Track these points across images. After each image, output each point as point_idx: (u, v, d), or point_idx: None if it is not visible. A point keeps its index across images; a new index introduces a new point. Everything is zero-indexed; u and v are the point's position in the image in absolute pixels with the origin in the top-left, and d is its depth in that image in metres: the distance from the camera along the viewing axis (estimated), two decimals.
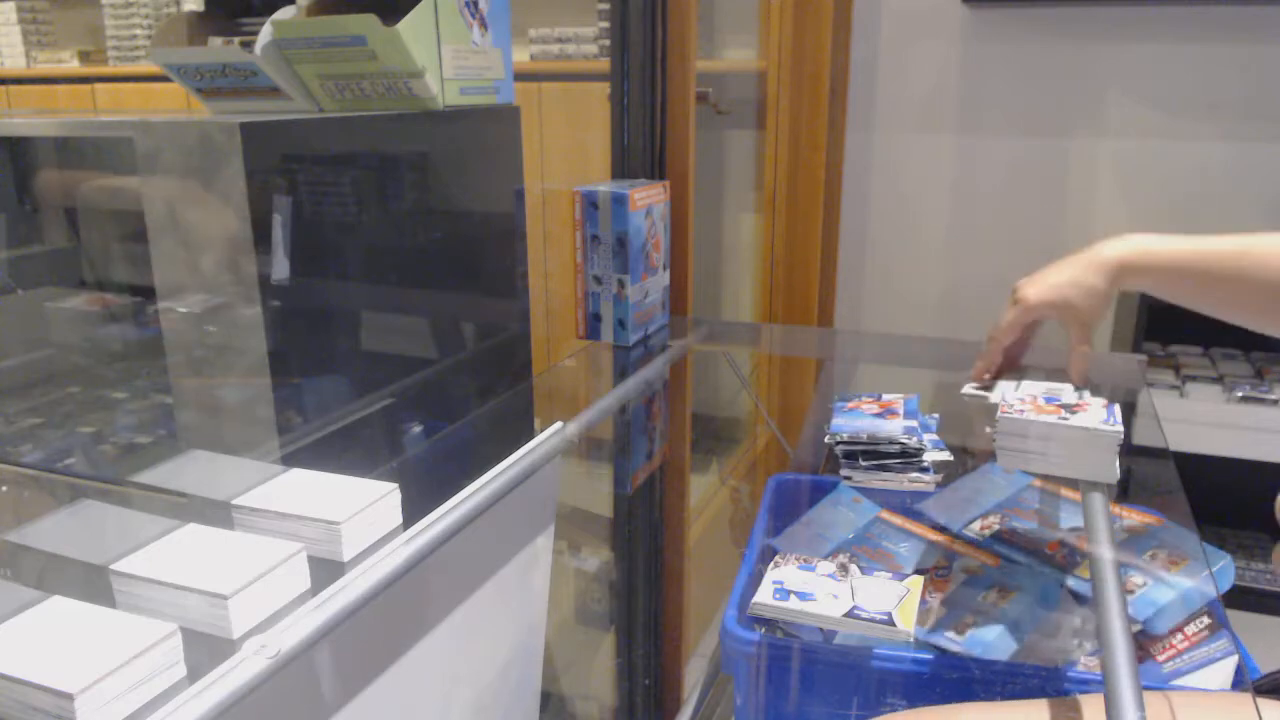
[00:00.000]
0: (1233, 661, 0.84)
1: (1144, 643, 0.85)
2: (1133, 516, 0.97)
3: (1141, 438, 1.01)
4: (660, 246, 1.35)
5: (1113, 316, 2.25)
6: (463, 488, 0.72)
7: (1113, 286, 0.90)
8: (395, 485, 0.64)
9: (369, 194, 0.95)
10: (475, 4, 1.06)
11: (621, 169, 1.43)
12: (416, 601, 0.66)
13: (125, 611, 0.51)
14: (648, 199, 1.28)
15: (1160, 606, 0.85)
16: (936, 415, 1.10)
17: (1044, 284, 0.94)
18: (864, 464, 0.99)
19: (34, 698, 0.43)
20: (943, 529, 1.00)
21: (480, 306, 1.18)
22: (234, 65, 0.97)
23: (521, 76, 1.23)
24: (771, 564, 0.88)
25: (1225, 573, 0.91)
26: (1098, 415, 0.83)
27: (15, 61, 3.33)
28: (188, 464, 0.73)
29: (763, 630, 0.86)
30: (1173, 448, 0.99)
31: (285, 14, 1.02)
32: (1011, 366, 1.01)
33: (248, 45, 1.05)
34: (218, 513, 0.61)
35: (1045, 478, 1.02)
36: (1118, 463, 0.81)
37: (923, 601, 0.83)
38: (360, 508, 0.61)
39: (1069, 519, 0.97)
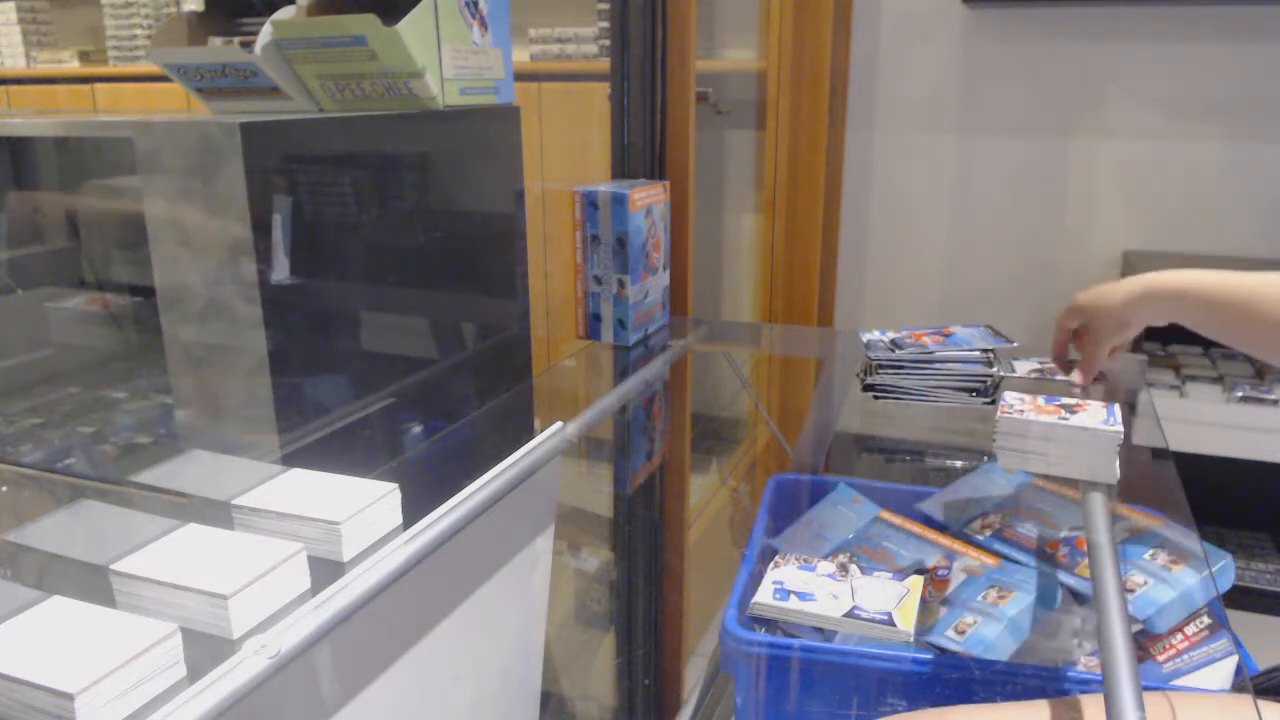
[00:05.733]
0: (1233, 661, 0.84)
1: (1144, 642, 0.85)
2: (1133, 516, 0.97)
3: (1141, 438, 1.01)
4: (660, 246, 1.35)
5: None
6: (463, 488, 0.72)
7: (1129, 304, 0.97)
8: (395, 485, 0.64)
9: (369, 194, 0.95)
10: (475, 4, 1.06)
11: (621, 169, 1.43)
12: (416, 602, 0.66)
13: (125, 611, 0.51)
14: (648, 199, 1.28)
15: (1160, 606, 0.85)
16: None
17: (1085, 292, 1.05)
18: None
19: (34, 698, 0.43)
20: (943, 529, 1.00)
21: (480, 306, 1.18)
22: (234, 65, 0.97)
23: (521, 76, 1.23)
24: (771, 564, 0.88)
25: (1225, 573, 0.91)
26: (1098, 415, 0.84)
27: (15, 61, 3.33)
28: (188, 464, 0.73)
29: (763, 630, 0.86)
30: (1173, 448, 0.99)
31: (285, 14, 1.02)
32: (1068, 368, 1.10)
33: (248, 45, 1.05)
34: (218, 513, 0.62)
35: (1045, 478, 1.02)
36: (1118, 463, 0.81)
37: (923, 601, 0.83)
38: (360, 508, 0.61)
39: (1069, 519, 0.97)
